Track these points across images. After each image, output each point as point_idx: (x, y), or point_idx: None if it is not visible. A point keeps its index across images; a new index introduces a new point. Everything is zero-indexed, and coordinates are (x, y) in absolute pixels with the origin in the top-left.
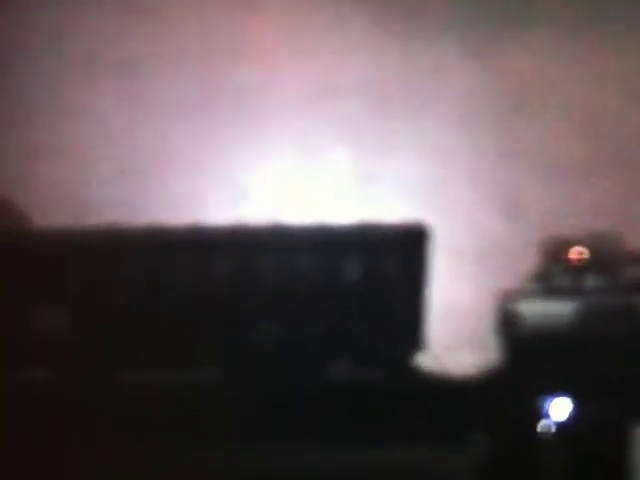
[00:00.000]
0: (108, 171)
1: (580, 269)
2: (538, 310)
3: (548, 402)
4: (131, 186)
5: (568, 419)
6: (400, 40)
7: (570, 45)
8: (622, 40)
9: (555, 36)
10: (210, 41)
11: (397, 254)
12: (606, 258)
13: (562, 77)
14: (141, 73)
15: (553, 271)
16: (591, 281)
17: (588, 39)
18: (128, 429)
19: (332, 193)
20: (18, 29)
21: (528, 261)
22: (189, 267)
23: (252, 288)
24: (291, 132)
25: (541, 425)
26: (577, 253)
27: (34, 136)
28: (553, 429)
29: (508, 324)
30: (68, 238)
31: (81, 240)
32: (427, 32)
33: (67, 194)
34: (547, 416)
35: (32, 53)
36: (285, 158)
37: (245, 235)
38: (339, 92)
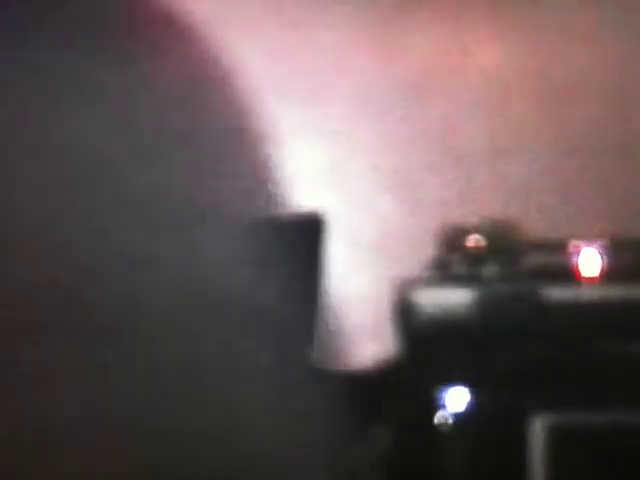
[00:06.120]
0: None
1: (477, 257)
2: (435, 299)
3: (445, 393)
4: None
5: (466, 410)
6: (299, 25)
7: (476, 28)
8: (540, 25)
9: (460, 19)
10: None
11: (294, 243)
12: (504, 246)
13: (465, 62)
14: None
15: (450, 259)
16: (489, 269)
17: (498, 22)
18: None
19: None
20: None
21: (426, 250)
22: None
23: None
24: None
25: (438, 416)
26: (474, 241)
27: None
28: (450, 420)
29: (405, 313)
30: None
31: None
32: (327, 16)
33: None
34: (444, 407)
35: None
36: None
37: None
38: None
